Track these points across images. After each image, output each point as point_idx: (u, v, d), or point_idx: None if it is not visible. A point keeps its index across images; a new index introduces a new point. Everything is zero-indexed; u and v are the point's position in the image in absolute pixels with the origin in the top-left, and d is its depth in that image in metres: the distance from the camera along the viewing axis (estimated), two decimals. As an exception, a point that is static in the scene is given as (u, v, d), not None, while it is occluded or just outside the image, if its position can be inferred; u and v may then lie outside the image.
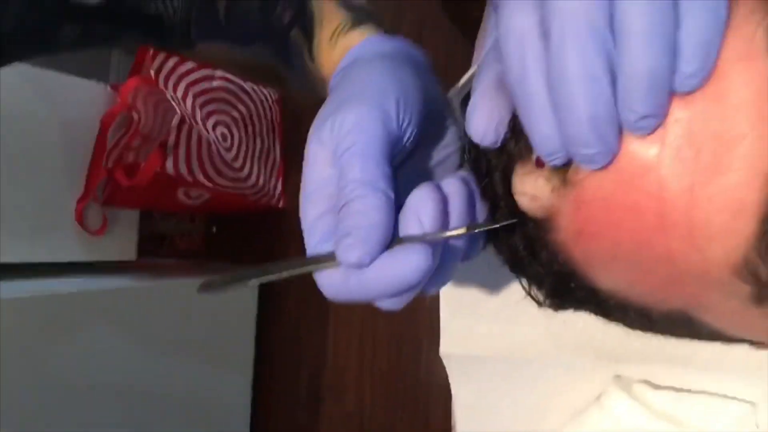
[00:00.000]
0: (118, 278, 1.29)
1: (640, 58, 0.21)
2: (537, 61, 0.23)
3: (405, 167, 0.31)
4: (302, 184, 0.29)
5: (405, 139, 0.29)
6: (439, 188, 0.28)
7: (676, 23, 0.21)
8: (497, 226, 0.28)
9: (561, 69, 0.22)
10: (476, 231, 0.28)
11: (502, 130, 0.27)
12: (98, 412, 1.16)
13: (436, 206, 0.27)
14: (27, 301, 1.06)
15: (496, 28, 0.24)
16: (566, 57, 0.22)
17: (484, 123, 0.27)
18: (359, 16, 0.38)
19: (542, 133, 0.24)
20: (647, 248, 0.25)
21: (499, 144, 0.27)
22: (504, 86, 0.25)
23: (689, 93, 0.22)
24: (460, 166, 0.34)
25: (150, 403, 1.27)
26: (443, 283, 0.29)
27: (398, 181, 0.27)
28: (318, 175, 0.28)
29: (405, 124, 0.29)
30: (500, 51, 0.24)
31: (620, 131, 0.23)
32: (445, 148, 0.33)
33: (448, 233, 0.27)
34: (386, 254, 0.26)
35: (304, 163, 0.29)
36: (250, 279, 0.27)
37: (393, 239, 0.26)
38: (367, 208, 0.26)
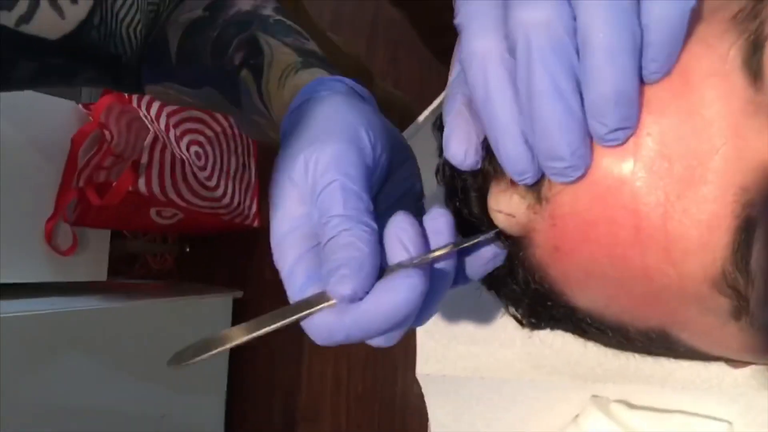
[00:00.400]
0: (88, 299, 1.26)
1: (606, 72, 0.21)
2: (500, 82, 0.23)
3: (377, 197, 0.31)
4: (274, 226, 0.28)
5: (379, 169, 0.29)
6: (412, 215, 0.27)
7: (638, 23, 0.21)
8: (481, 239, 0.28)
9: (528, 84, 0.22)
10: (462, 246, 0.28)
11: (481, 151, 0.27)
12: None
13: (416, 230, 0.26)
14: (-8, 323, 1.03)
15: (460, 51, 0.24)
16: (533, 72, 0.22)
17: (463, 146, 0.26)
18: (309, 60, 0.39)
19: (510, 153, 0.24)
20: (623, 264, 0.25)
21: (479, 166, 0.27)
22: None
23: (654, 82, 0.23)
24: (422, 193, 0.34)
25: (120, 427, 1.24)
26: (434, 311, 0.28)
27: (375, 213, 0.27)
28: (291, 214, 0.28)
29: (378, 155, 0.29)
30: (465, 73, 0.24)
31: (591, 143, 0.23)
32: (409, 177, 0.33)
33: (435, 253, 0.27)
34: (379, 284, 0.25)
35: (274, 202, 0.29)
36: (232, 342, 0.25)
37: (381, 271, 0.26)
38: (355, 241, 0.25)
